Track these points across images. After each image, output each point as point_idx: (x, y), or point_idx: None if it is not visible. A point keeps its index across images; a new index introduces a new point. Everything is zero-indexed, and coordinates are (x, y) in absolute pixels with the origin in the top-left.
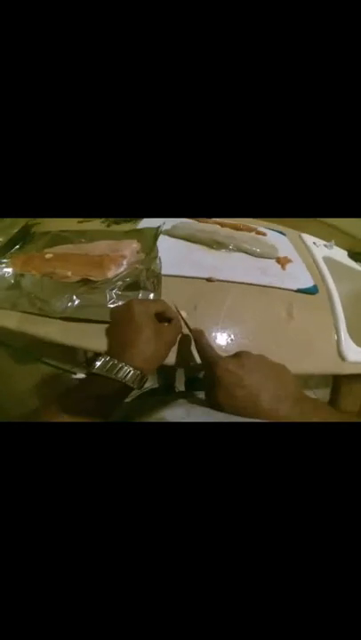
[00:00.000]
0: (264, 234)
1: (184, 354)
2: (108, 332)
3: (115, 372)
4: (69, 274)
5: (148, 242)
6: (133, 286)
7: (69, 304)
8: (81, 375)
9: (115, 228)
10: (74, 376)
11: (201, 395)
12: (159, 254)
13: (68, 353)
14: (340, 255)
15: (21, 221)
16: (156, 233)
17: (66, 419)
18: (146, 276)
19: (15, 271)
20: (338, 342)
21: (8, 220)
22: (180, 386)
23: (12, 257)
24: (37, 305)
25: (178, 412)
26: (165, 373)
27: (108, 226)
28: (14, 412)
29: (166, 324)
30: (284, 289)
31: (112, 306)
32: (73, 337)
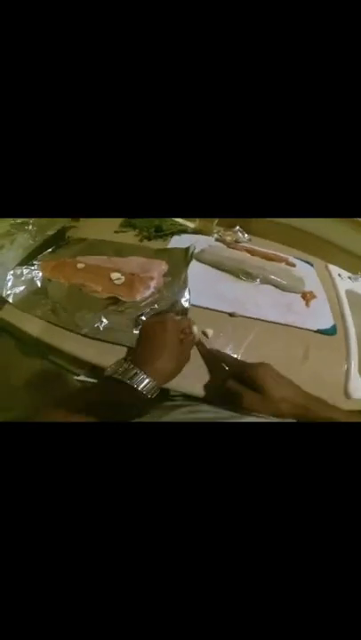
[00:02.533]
0: (293, 265)
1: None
2: (139, 343)
3: (133, 378)
4: (100, 289)
5: (177, 264)
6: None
7: (96, 324)
8: (83, 378)
9: (146, 243)
10: (76, 377)
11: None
12: (188, 283)
13: (78, 362)
14: None
15: (58, 223)
16: (186, 257)
17: (67, 418)
18: (173, 307)
19: (44, 275)
20: (346, 380)
21: (45, 220)
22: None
23: (43, 260)
24: (62, 316)
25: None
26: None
27: (141, 240)
28: (14, 404)
29: (184, 342)
30: (305, 329)
31: (137, 332)
32: (94, 354)
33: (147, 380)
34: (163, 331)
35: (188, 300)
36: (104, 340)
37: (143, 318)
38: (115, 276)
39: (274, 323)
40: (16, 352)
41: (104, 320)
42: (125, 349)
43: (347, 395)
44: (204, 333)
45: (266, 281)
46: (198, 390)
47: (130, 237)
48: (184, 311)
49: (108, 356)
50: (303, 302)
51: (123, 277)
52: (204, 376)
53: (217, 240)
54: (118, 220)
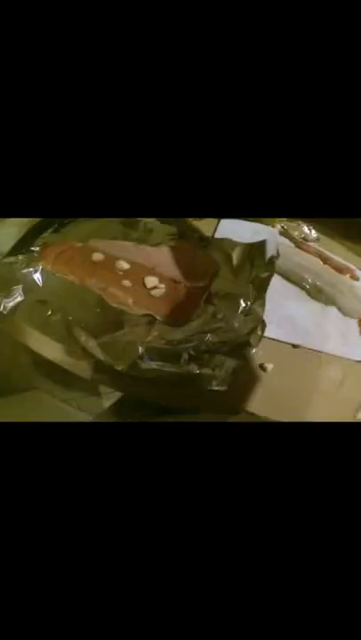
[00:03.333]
0: (357, 278)
1: None
2: None
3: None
4: (130, 301)
5: (234, 267)
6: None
7: (135, 361)
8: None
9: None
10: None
11: None
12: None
13: None
14: None
15: None
16: (261, 260)
17: None
18: (237, 343)
19: (45, 268)
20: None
21: None
22: None
23: (42, 244)
24: (81, 339)
25: None
26: None
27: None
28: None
29: None
30: (350, 359)
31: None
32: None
33: None
34: None
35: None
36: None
37: (191, 353)
38: (150, 281)
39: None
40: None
41: (146, 358)
42: None
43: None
44: (262, 367)
45: (331, 302)
46: None
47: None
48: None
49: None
50: (358, 330)
51: (163, 286)
52: None
53: (282, 234)
54: None
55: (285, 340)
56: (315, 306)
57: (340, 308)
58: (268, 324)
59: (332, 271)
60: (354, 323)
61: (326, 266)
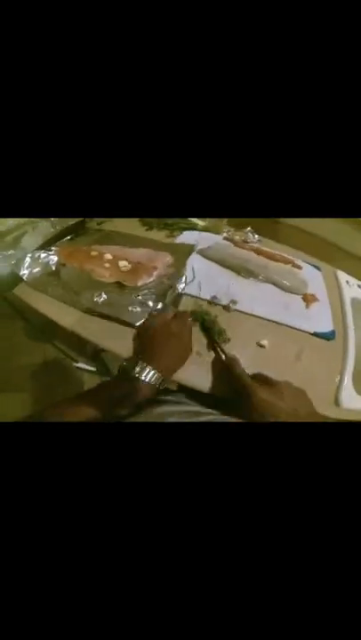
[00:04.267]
0: (300, 267)
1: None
2: (141, 338)
3: (140, 372)
4: (107, 275)
5: (181, 258)
6: (156, 298)
7: (96, 299)
8: (82, 365)
9: (157, 236)
10: (75, 364)
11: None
12: (186, 273)
13: (78, 343)
14: None
15: None
16: (190, 252)
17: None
18: (170, 292)
19: (59, 260)
20: (338, 388)
21: None
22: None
23: (60, 246)
24: (69, 295)
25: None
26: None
27: (148, 230)
28: (14, 386)
29: (184, 336)
30: (300, 330)
31: (132, 309)
32: (85, 328)
33: (152, 372)
34: (164, 329)
35: (184, 289)
36: (102, 315)
37: (140, 300)
38: (122, 263)
39: (268, 320)
40: (23, 336)
41: (103, 295)
42: (124, 328)
43: (337, 402)
44: (261, 345)
45: (267, 280)
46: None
47: (142, 230)
48: (179, 294)
49: (108, 336)
50: (303, 304)
51: (129, 265)
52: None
53: (225, 239)
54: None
55: (216, 302)
56: (246, 281)
57: (277, 285)
58: (200, 290)
59: (264, 258)
60: (298, 298)
61: (260, 257)
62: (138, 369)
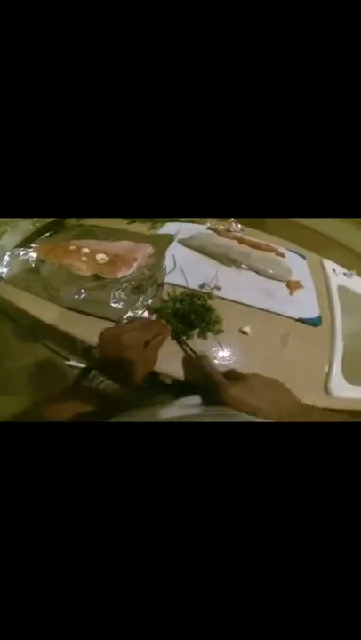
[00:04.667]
0: (283, 255)
1: (189, 373)
2: (101, 349)
3: (98, 384)
4: (84, 268)
5: (162, 248)
6: (137, 290)
7: (76, 296)
8: (74, 363)
9: (138, 229)
10: (67, 362)
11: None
12: (167, 262)
13: (68, 340)
14: (359, 285)
15: None
16: (169, 241)
17: (62, 411)
18: (150, 282)
19: (38, 257)
20: (327, 376)
21: None
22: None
23: (39, 243)
24: (49, 292)
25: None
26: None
27: (129, 223)
28: (9, 388)
29: (151, 346)
30: (284, 316)
31: (114, 305)
32: (71, 326)
33: (109, 384)
34: (122, 342)
35: (164, 278)
36: (84, 312)
37: (119, 294)
38: (99, 256)
39: (252, 307)
40: (12, 337)
41: (83, 293)
42: (110, 324)
43: (327, 391)
44: (243, 331)
45: (250, 267)
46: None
47: (124, 223)
48: (160, 283)
49: (94, 332)
50: (287, 290)
51: (107, 257)
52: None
53: (208, 229)
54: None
55: (198, 290)
56: (228, 269)
57: (259, 273)
58: (181, 279)
59: (247, 247)
60: (281, 285)
61: (243, 245)
62: (90, 376)
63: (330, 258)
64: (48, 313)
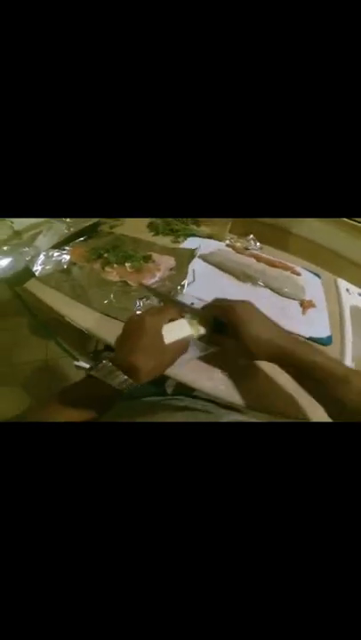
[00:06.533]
0: (299, 274)
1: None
2: (118, 339)
3: (111, 377)
4: (114, 273)
5: (183, 262)
6: (158, 300)
7: (104, 300)
8: (82, 364)
9: (163, 242)
10: (75, 362)
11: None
12: (187, 276)
13: (81, 340)
14: None
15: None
16: (191, 256)
17: (61, 412)
18: (171, 293)
19: (71, 259)
20: None
21: None
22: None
23: (74, 246)
24: (77, 292)
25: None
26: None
27: (155, 235)
28: (12, 380)
29: (172, 345)
30: (295, 334)
31: (136, 311)
32: (91, 324)
33: (123, 378)
34: (141, 328)
35: (184, 290)
36: (108, 315)
37: (144, 302)
38: (128, 264)
39: None
40: (27, 331)
41: (112, 297)
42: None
43: None
44: None
45: (265, 285)
46: None
47: (149, 235)
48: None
49: (109, 330)
50: (300, 309)
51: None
52: None
53: (227, 245)
54: (146, 220)
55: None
56: (245, 286)
57: (274, 290)
58: (200, 293)
59: (263, 264)
60: (295, 303)
61: (260, 263)
62: (100, 366)
63: (345, 278)
64: (72, 310)
